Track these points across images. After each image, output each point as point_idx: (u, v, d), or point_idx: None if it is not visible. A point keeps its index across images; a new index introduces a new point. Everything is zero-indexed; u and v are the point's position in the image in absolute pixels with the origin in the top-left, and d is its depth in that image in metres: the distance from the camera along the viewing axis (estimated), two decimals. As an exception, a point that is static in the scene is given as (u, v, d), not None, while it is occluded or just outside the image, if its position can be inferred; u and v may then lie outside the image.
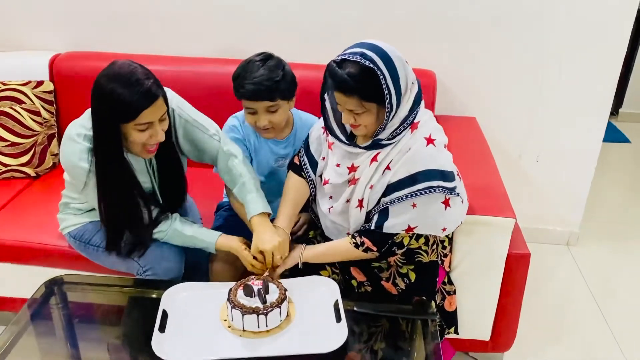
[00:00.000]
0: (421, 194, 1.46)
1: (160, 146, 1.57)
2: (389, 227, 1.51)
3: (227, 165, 1.70)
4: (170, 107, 1.60)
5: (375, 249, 1.55)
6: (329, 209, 1.63)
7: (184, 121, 1.66)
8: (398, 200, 1.48)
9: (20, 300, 1.94)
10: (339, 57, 1.42)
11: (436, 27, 2.33)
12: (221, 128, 1.76)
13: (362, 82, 1.39)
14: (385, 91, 1.40)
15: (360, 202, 1.54)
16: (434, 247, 1.62)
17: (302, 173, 1.70)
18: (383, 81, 1.39)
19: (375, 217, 1.53)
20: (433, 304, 1.59)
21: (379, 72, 1.38)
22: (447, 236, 1.65)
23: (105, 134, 1.50)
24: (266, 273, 1.58)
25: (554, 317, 2.26)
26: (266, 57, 1.67)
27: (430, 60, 2.34)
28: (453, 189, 1.48)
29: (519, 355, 2.00)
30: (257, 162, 1.85)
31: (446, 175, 1.47)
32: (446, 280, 1.71)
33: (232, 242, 1.65)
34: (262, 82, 1.62)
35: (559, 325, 2.22)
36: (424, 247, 1.60)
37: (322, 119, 1.62)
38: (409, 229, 1.51)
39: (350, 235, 1.59)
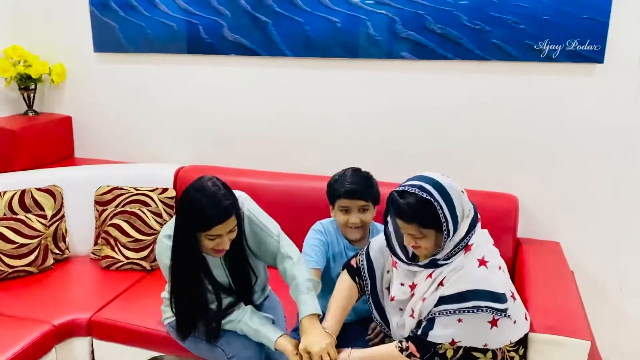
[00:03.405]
0: (468, 311, 1.53)
1: (231, 246, 1.78)
2: (434, 336, 1.58)
3: (283, 266, 1.87)
4: (242, 210, 1.83)
5: (418, 355, 1.60)
6: (397, 322, 1.74)
7: (254, 224, 1.88)
8: (446, 313, 1.57)
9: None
10: (400, 188, 1.61)
11: (520, 155, 2.44)
12: (304, 235, 2.01)
13: (420, 211, 1.56)
14: (442, 220, 1.55)
15: (413, 311, 1.65)
16: (502, 362, 1.64)
17: (356, 278, 1.84)
18: (440, 211, 1.55)
19: (423, 324, 1.61)
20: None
21: (435, 204, 1.55)
22: (517, 353, 1.67)
23: (182, 236, 1.76)
24: None
25: None
26: (358, 169, 2.02)
27: (514, 185, 2.45)
28: (503, 310, 1.54)
29: None
30: (336, 265, 2.02)
31: (497, 297, 1.54)
32: (520, 400, 1.70)
33: (287, 346, 1.74)
34: (360, 184, 1.95)
35: None
36: (491, 363, 1.62)
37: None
38: (453, 342, 1.57)
39: (397, 340, 1.67)
